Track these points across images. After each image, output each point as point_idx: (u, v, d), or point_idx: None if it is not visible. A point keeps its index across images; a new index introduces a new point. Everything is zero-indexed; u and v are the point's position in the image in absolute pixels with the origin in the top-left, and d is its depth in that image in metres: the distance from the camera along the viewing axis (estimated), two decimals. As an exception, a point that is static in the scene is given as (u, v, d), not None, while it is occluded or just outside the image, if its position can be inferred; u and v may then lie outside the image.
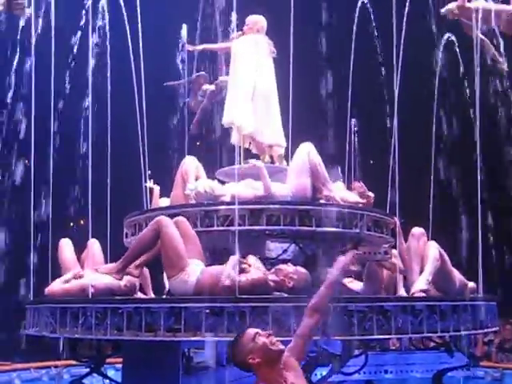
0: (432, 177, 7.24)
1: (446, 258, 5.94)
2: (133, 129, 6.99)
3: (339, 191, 6.18)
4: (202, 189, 5.86)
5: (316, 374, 6.13)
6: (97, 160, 5.41)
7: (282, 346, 3.34)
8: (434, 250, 5.80)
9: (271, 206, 5.47)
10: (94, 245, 6.05)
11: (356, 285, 6.28)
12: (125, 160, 7.06)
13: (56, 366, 8.87)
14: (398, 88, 6.37)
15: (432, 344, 6.85)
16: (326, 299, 3.71)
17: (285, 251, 5.81)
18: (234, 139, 6.87)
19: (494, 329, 6.16)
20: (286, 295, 5.03)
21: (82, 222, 6.89)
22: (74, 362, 8.35)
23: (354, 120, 7.70)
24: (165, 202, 6.57)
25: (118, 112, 5.96)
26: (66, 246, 6.07)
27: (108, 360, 7.35)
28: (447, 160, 7.17)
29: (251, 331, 3.36)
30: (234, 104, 6.81)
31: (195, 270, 5.07)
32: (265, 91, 6.82)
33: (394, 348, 7.37)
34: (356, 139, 7.41)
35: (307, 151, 5.97)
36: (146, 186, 6.81)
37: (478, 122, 6.16)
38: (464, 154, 6.87)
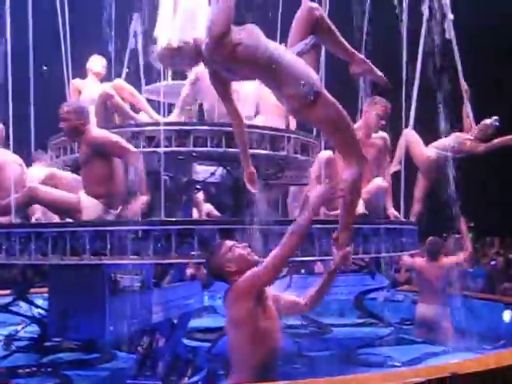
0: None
1: None
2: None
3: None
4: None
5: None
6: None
7: (256, 257, 3.57)
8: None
9: (198, 128, 5.42)
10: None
11: None
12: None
13: (-20, 297, 8.78)
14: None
15: (355, 267, 7.09)
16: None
17: (212, 174, 5.81)
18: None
19: (413, 251, 6.42)
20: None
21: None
22: (-1, 292, 8.31)
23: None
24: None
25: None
26: None
27: (36, 290, 7.33)
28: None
29: (228, 242, 3.60)
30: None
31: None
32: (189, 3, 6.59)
33: (318, 271, 7.56)
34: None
35: None
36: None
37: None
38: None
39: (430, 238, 7.48)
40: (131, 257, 4.71)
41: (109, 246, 4.72)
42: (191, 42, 3.78)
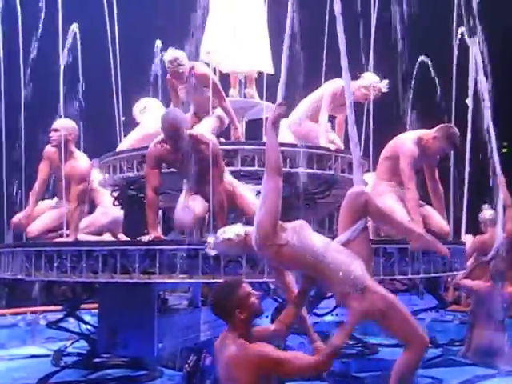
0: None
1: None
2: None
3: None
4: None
5: (289, 316, 6.22)
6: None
7: (262, 308, 3.51)
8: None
9: (246, 147, 5.47)
10: None
11: None
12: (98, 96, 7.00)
13: (32, 312, 8.93)
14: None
15: (403, 287, 6.99)
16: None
17: (259, 193, 5.81)
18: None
19: (462, 271, 6.31)
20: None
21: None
22: (50, 308, 8.44)
23: None
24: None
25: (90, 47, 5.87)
26: None
27: (84, 306, 7.42)
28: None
29: (247, 287, 3.45)
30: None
31: None
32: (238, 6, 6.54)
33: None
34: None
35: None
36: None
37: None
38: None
39: (493, 261, 7.27)
40: (180, 275, 4.76)
41: (158, 265, 4.78)
42: (243, 234, 3.85)
